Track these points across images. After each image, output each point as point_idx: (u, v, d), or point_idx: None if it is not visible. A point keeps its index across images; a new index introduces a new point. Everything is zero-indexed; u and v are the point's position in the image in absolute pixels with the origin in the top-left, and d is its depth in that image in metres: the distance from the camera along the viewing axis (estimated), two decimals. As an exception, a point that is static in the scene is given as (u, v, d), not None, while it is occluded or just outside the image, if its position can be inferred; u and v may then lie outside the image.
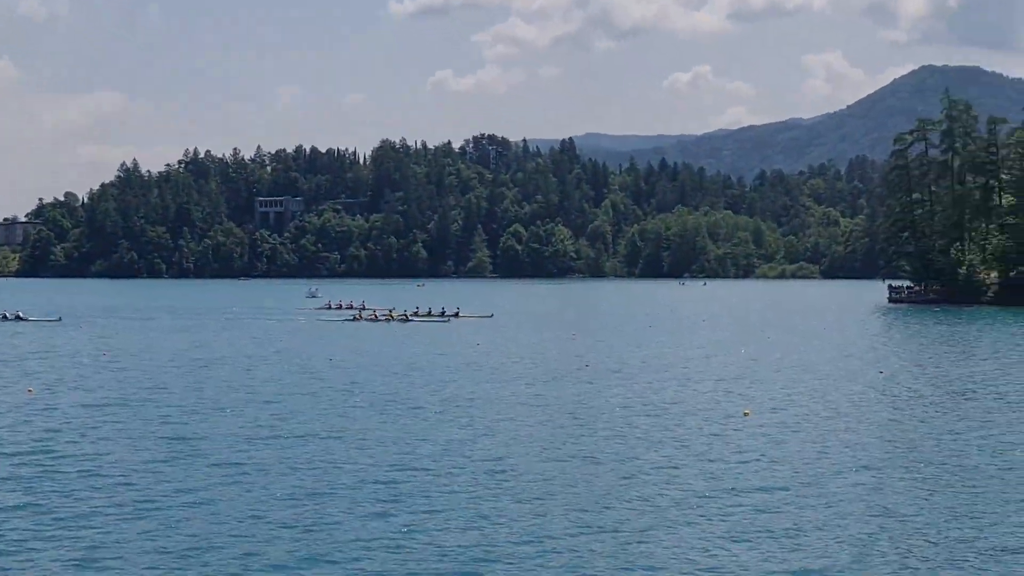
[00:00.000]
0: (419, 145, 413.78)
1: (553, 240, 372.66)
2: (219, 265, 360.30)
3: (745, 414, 40.17)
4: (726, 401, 44.30)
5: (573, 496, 26.58)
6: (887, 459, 31.62)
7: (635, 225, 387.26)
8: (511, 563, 21.02)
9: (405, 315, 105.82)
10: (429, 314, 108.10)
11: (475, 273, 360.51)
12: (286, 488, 27.19)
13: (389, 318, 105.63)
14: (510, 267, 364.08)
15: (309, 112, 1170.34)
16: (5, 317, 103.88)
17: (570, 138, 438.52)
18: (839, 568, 20.61)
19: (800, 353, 69.09)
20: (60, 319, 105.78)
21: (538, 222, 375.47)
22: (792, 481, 28.33)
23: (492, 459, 31.30)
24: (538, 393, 46.89)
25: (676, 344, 77.62)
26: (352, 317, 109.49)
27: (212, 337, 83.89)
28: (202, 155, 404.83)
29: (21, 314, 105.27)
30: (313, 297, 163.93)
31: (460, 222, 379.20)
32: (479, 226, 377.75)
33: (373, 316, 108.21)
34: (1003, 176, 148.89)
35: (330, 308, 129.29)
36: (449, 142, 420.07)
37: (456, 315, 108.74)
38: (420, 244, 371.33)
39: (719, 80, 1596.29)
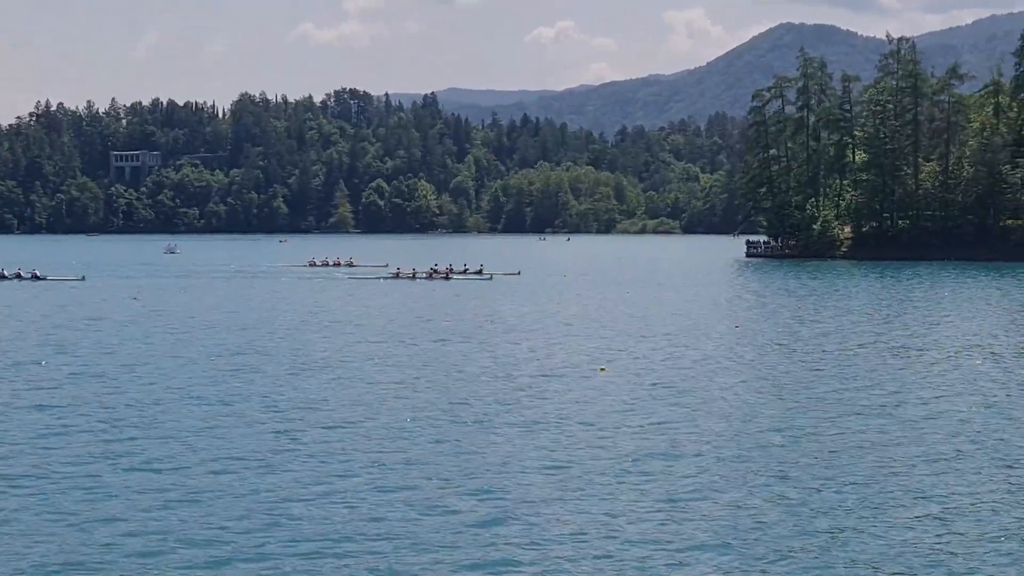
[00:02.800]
0: (279, 99, 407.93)
1: (416, 195, 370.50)
2: (72, 221, 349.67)
3: (601, 371, 40.21)
4: (583, 358, 44.32)
5: (427, 459, 26.21)
6: (740, 412, 31.87)
7: (498, 180, 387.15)
8: (347, 533, 20.58)
9: (446, 273, 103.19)
10: (465, 271, 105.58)
11: (337, 228, 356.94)
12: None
13: (431, 275, 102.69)
14: (372, 222, 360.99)
15: (167, 64, 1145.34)
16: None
17: (433, 93, 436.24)
18: (686, 517, 20.64)
19: (659, 308, 69.71)
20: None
21: (400, 177, 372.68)
22: (642, 438, 28.34)
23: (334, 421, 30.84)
24: (395, 353, 46.45)
25: (535, 301, 77.60)
26: (392, 275, 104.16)
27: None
28: (54, 107, 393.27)
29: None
30: (171, 253, 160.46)
31: (321, 177, 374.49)
32: (341, 181, 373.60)
33: (411, 274, 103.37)
34: (856, 133, 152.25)
35: (314, 265, 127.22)
36: (310, 96, 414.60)
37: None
38: (281, 199, 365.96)
39: (582, 35, 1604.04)
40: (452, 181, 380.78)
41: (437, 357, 44.56)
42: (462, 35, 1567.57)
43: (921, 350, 46.33)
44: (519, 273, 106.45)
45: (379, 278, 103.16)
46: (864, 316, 62.20)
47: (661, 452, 26.62)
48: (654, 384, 37.25)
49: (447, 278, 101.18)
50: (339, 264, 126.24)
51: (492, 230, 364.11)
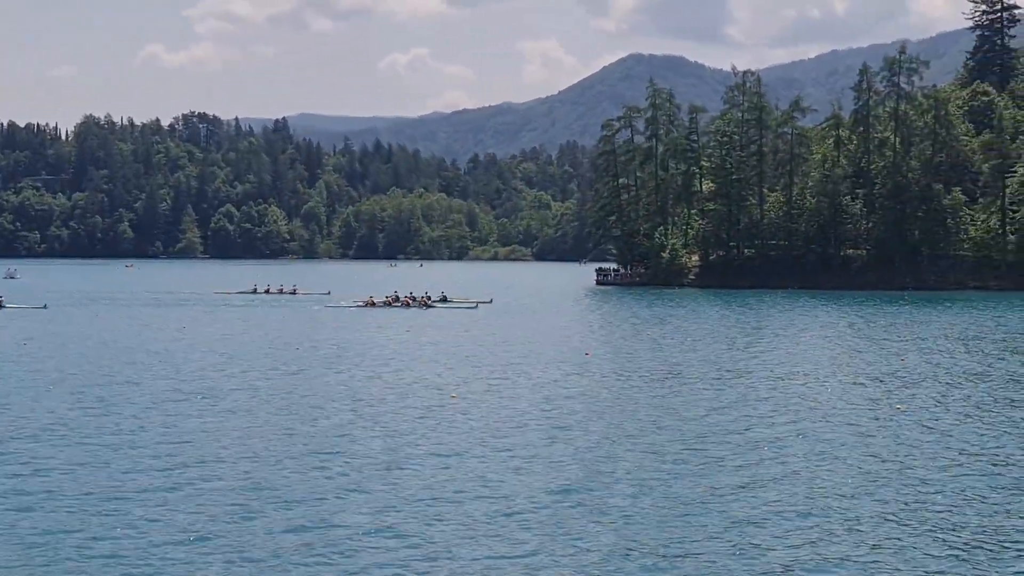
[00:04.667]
0: (126, 121, 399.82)
1: (266, 221, 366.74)
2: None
3: (452, 398, 39.95)
4: (435, 386, 44.00)
5: (277, 490, 25.58)
6: (588, 437, 31.86)
7: (349, 206, 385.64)
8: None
9: (423, 302, 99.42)
10: (443, 299, 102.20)
11: (185, 254, 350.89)
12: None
13: (408, 304, 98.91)
14: (221, 247, 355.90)
15: (11, 85, 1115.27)
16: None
17: (284, 118, 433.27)
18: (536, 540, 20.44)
19: (509, 334, 69.72)
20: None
21: (251, 202, 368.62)
22: (491, 463, 28.11)
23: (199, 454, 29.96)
24: (253, 383, 45.51)
25: (389, 327, 77.06)
26: (363, 303, 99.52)
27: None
28: None
29: None
30: (11, 279, 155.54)
31: (169, 201, 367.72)
32: (189, 206, 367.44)
33: (388, 302, 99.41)
34: (703, 163, 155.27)
35: (255, 292, 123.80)
36: (158, 119, 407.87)
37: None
38: (127, 224, 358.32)
39: (436, 63, 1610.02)
40: (303, 207, 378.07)
41: (287, 387, 43.75)
42: (315, 61, 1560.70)
43: (762, 375, 46.96)
44: (491, 301, 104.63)
45: (352, 305, 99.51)
46: (709, 342, 63.01)
47: (504, 478, 26.42)
48: (502, 410, 37.09)
49: (425, 306, 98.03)
50: (282, 292, 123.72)
51: (344, 256, 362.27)
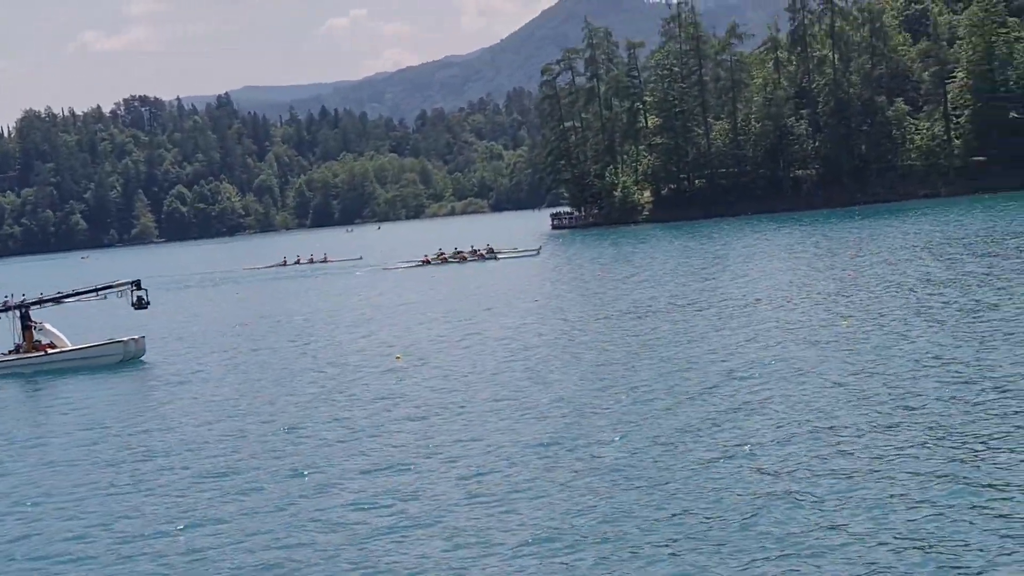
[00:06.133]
0: (67, 112, 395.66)
1: (219, 198, 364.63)
2: None
3: (397, 359, 39.94)
4: (382, 347, 44.01)
5: (221, 453, 25.60)
6: (539, 390, 31.82)
7: (301, 176, 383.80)
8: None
9: (482, 253, 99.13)
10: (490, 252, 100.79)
11: (141, 239, 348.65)
12: None
13: (464, 258, 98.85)
14: (177, 230, 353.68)
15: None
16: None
17: (226, 93, 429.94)
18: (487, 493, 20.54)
19: (463, 289, 69.74)
20: None
21: (201, 181, 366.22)
22: (438, 426, 28.17)
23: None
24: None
25: (348, 291, 76.92)
26: (421, 262, 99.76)
27: None
28: None
29: None
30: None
31: (119, 189, 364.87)
32: (140, 191, 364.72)
33: (443, 258, 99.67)
34: (646, 98, 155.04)
35: (285, 264, 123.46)
36: (99, 107, 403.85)
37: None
38: (79, 215, 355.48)
39: (376, 23, 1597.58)
40: (255, 181, 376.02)
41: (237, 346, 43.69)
42: (253, 32, 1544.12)
43: (726, 303, 46.96)
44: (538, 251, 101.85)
45: (410, 265, 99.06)
46: (672, 277, 63.14)
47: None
48: (446, 369, 37.03)
49: (484, 258, 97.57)
50: (312, 262, 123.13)
51: (301, 226, 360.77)
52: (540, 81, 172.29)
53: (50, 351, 46.81)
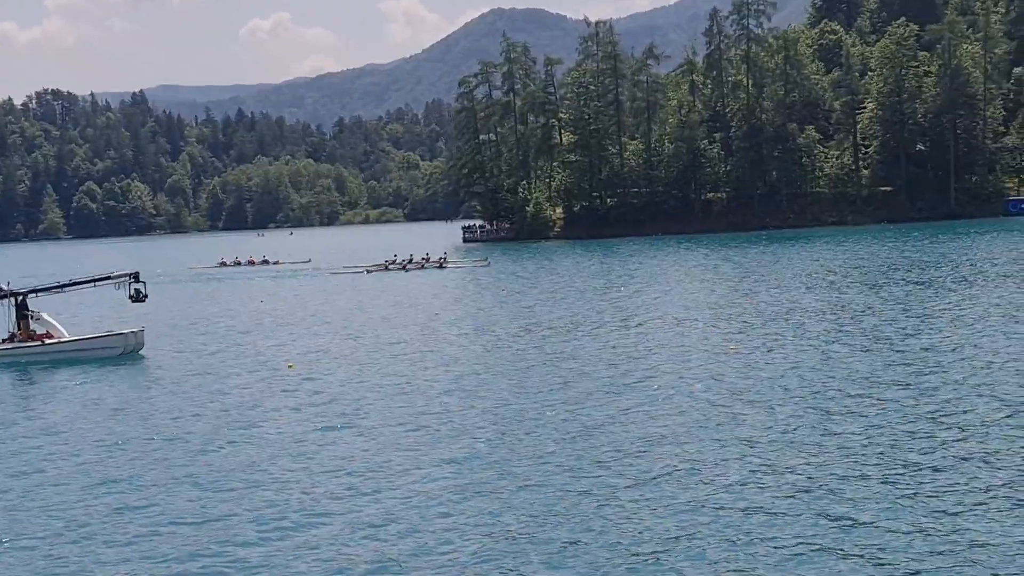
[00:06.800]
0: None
1: (130, 197, 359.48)
2: None
3: (289, 367, 39.37)
4: (274, 354, 43.40)
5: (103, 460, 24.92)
6: (433, 400, 31.47)
7: (215, 178, 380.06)
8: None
9: (439, 262, 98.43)
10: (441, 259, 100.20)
11: (48, 235, 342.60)
12: None
13: (422, 265, 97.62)
14: (85, 227, 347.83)
15: None
16: None
17: (141, 91, 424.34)
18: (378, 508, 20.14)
19: (364, 299, 69.21)
20: None
21: (113, 179, 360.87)
22: (329, 434, 27.71)
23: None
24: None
25: (242, 299, 75.92)
26: (380, 267, 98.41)
27: None
28: None
29: None
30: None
31: (27, 183, 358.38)
32: (49, 186, 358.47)
33: (403, 265, 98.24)
34: (562, 115, 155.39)
35: (225, 265, 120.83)
36: (10, 99, 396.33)
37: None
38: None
39: (298, 27, 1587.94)
40: (167, 181, 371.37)
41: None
42: (173, 31, 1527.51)
43: (627, 323, 46.95)
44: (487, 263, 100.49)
45: (365, 271, 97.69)
46: (577, 295, 63.10)
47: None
48: (338, 378, 36.62)
49: (441, 266, 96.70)
50: (252, 263, 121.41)
51: (213, 228, 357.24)
52: (457, 93, 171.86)
53: (47, 341, 45.73)
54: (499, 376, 35.30)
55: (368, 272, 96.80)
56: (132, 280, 48.40)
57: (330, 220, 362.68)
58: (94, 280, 50.06)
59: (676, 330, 44.08)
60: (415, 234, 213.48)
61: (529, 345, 42.10)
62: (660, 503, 20.24)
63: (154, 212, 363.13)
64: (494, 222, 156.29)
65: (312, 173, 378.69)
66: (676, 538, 18.27)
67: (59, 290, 50.01)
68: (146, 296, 49.11)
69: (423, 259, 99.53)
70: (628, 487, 21.42)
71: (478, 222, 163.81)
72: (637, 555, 17.69)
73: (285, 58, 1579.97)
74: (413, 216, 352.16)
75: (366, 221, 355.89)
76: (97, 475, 24.76)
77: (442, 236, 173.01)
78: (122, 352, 44.73)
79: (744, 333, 41.76)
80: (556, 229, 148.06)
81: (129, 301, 48.95)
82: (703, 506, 19.97)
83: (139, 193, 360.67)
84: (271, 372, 38.84)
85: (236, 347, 46.73)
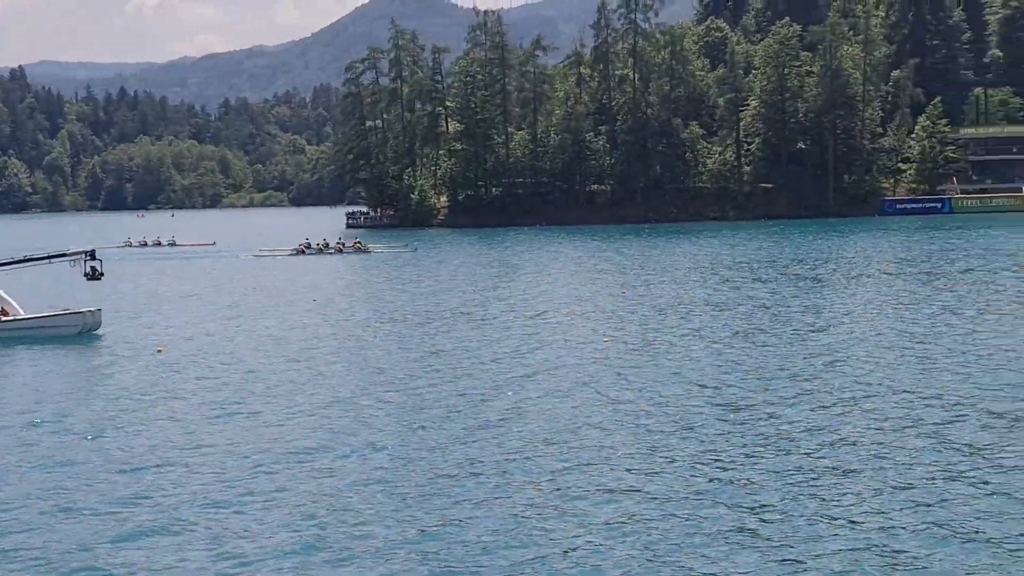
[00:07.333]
0: None
1: (6, 174, 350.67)
2: None
3: (158, 351, 38.56)
4: (143, 338, 42.51)
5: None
6: (309, 388, 30.99)
7: (95, 156, 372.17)
8: None
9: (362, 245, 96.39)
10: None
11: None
12: None
13: (340, 249, 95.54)
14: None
15: None
16: None
17: (20, 66, 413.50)
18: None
19: (235, 282, 68.35)
20: None
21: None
22: (186, 420, 27.10)
23: None
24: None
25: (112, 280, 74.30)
26: (297, 251, 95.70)
27: None
28: None
29: None
30: None
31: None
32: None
33: (320, 247, 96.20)
34: (449, 103, 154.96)
35: (130, 246, 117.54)
36: None
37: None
38: None
39: (186, 5, 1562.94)
40: (45, 158, 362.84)
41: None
42: (55, 5, 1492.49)
43: (507, 313, 46.96)
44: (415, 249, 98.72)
45: (286, 254, 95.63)
46: (457, 284, 62.92)
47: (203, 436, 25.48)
48: (212, 362, 35.97)
49: (364, 250, 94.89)
50: (159, 244, 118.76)
51: (92, 208, 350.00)
52: (344, 78, 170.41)
53: (2, 319, 44.19)
54: (375, 369, 34.87)
55: (297, 253, 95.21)
56: (88, 258, 47.63)
57: (213, 202, 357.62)
58: (49, 257, 49.30)
59: (558, 322, 44.06)
60: (299, 218, 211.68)
61: (410, 335, 41.75)
62: (541, 496, 20.04)
63: (31, 190, 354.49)
64: (378, 208, 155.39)
65: (196, 155, 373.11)
66: (563, 533, 18.10)
67: (14, 265, 48.97)
68: (102, 274, 48.17)
69: (339, 243, 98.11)
70: (507, 482, 21.22)
71: (362, 208, 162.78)
72: (523, 548, 17.51)
73: (171, 36, 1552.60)
74: (298, 201, 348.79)
75: (250, 204, 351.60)
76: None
77: (327, 221, 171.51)
78: (80, 331, 43.72)
79: (623, 326, 41.88)
80: (440, 217, 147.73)
81: (84, 279, 47.86)
82: (586, 496, 19.90)
83: (15, 170, 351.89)
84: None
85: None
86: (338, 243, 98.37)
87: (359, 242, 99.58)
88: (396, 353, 37.36)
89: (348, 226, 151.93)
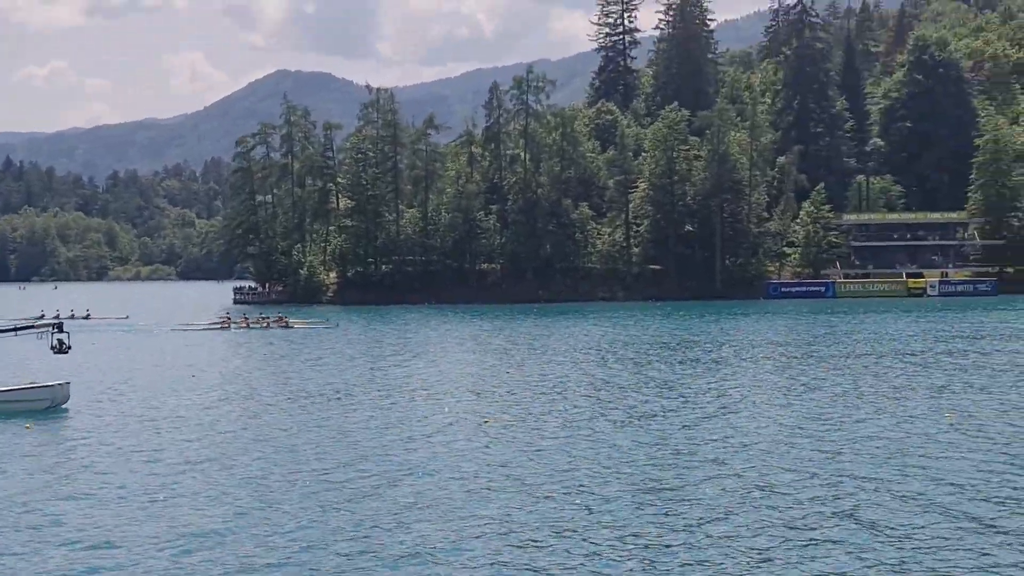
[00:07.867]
0: None
1: None
2: None
3: (27, 428, 37.26)
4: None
5: None
6: (192, 466, 30.06)
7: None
8: None
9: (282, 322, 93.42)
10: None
11: None
12: None
13: (267, 324, 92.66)
14: None
15: None
16: None
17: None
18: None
19: (124, 358, 66.77)
20: None
21: None
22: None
23: None
24: None
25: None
26: (219, 326, 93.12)
27: None
28: None
29: None
30: None
31: None
32: None
33: (245, 323, 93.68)
34: (340, 180, 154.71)
35: (43, 318, 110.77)
36: None
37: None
38: None
39: (76, 76, 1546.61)
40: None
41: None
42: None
43: (406, 389, 46.55)
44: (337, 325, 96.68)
45: (202, 328, 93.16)
46: (335, 360, 62.11)
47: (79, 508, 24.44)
48: (90, 436, 34.86)
49: (287, 326, 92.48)
50: (73, 317, 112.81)
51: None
52: (235, 153, 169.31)
53: None
54: (250, 445, 34.03)
55: (225, 328, 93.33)
56: (55, 331, 45.94)
57: (99, 275, 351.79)
58: (15, 329, 48.11)
59: (437, 401, 43.54)
60: (186, 293, 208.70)
61: (288, 413, 40.90)
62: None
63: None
64: (267, 284, 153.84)
65: (82, 227, 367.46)
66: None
67: None
68: (69, 347, 46.40)
69: (262, 318, 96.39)
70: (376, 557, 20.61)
71: (251, 283, 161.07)
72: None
73: (60, 107, 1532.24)
74: (186, 274, 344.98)
75: (136, 277, 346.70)
76: None
77: (214, 296, 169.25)
78: (49, 405, 42.13)
79: (503, 406, 41.50)
80: (330, 293, 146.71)
81: (52, 352, 46.05)
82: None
83: None
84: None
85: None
86: (262, 317, 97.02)
87: (282, 317, 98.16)
88: (271, 429, 36.49)
89: (236, 301, 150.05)
